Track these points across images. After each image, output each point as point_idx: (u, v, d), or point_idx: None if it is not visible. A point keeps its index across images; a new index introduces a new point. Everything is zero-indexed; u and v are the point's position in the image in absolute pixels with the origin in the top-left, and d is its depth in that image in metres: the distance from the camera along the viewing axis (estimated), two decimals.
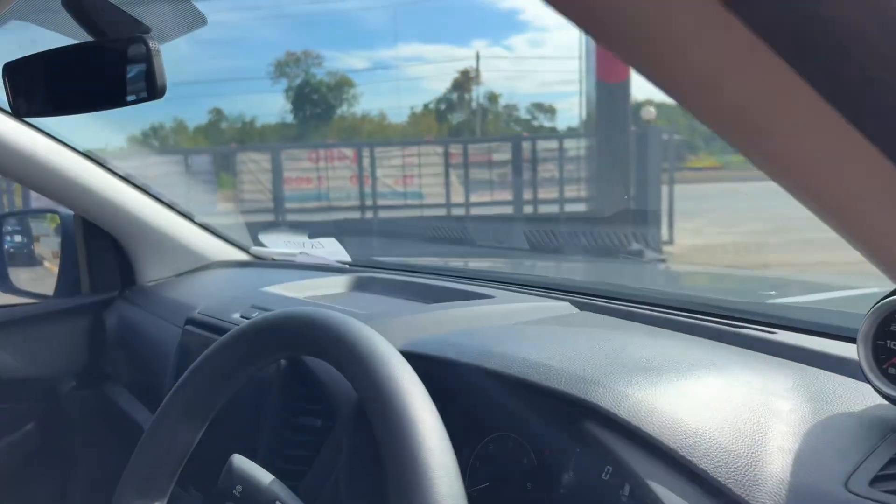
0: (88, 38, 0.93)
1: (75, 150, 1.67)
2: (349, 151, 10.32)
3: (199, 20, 0.96)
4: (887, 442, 0.67)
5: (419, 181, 9.78)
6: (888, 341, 0.73)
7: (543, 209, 9.37)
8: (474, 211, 9.13)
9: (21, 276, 1.98)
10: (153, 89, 0.88)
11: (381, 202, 9.75)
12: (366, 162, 9.89)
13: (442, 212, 9.34)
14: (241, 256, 1.94)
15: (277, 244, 1.96)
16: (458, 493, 0.49)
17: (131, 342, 1.69)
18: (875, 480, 0.62)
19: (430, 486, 0.47)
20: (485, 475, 0.95)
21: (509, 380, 0.76)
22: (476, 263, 1.92)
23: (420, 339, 0.92)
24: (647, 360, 0.78)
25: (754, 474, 0.63)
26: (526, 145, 10.24)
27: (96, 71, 0.90)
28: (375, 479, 0.92)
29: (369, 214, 9.43)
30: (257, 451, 1.03)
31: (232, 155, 11.08)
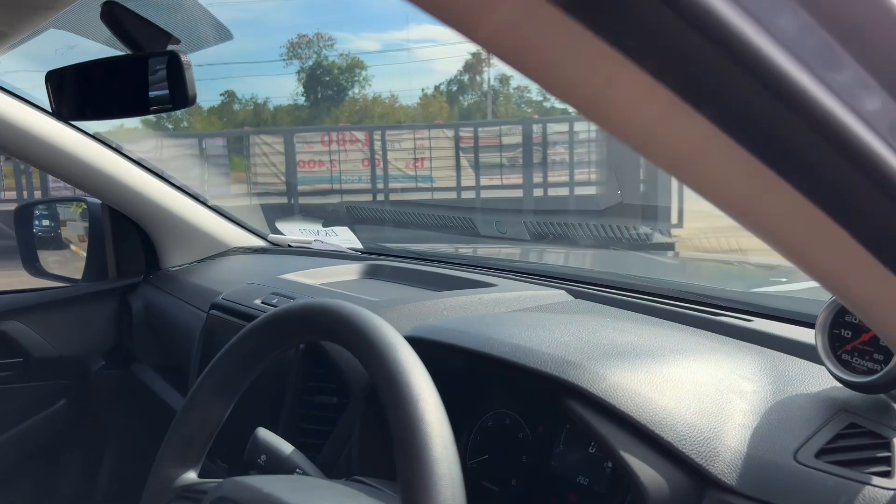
0: (125, 50, 1.02)
1: (103, 142, 1.77)
2: (361, 135, 10.39)
3: (226, 35, 1.05)
4: (836, 419, 0.76)
5: (430, 164, 9.84)
6: (842, 330, 0.82)
7: (553, 192, 9.42)
8: (484, 194, 9.20)
9: (50, 259, 2.09)
10: (185, 98, 0.97)
11: (392, 185, 9.83)
12: (377, 145, 9.96)
13: (452, 195, 9.41)
14: (259, 243, 2.04)
15: (293, 232, 2.06)
16: (452, 456, 0.58)
17: (156, 324, 1.80)
18: (821, 453, 0.71)
19: (429, 451, 0.57)
20: (485, 448, 1.05)
21: (502, 363, 0.85)
22: (482, 251, 2.02)
23: (425, 325, 1.02)
24: (627, 346, 0.87)
25: (714, 447, 0.72)
26: (536, 128, 10.26)
27: (132, 81, 0.99)
28: (385, 450, 1.02)
29: (381, 198, 9.52)
30: (279, 427, 1.13)
31: (245, 138, 11.17)
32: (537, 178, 9.62)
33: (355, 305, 0.70)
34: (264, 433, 0.94)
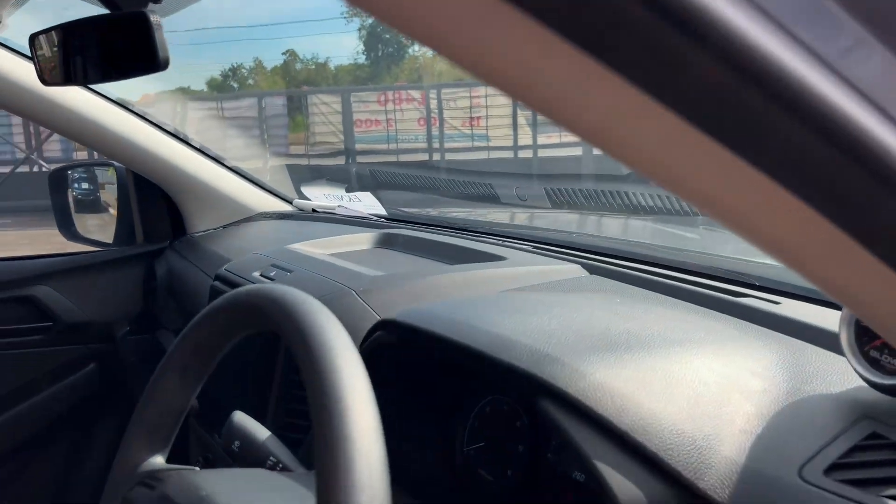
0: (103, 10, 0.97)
1: (123, 106, 1.74)
2: (417, 93, 10.27)
3: None
4: (856, 428, 0.65)
5: (486, 123, 9.66)
6: None
7: None
8: (542, 153, 8.98)
9: (89, 223, 2.10)
10: (156, 62, 0.91)
11: (448, 145, 9.70)
12: (433, 104, 9.83)
13: (509, 154, 9.23)
14: (286, 208, 2.00)
15: (318, 197, 2.01)
16: (379, 482, 0.50)
17: (177, 291, 1.79)
18: (832, 468, 0.61)
19: (353, 477, 0.49)
20: (482, 435, 0.98)
21: (475, 354, 0.78)
22: (502, 218, 1.93)
23: (412, 309, 0.94)
24: (623, 336, 0.78)
25: (707, 457, 0.63)
26: None
27: (104, 44, 0.94)
28: None
29: (437, 157, 9.41)
30: (269, 406, 1.09)
31: (303, 97, 11.21)
32: None
33: (301, 294, 0.63)
34: (240, 418, 0.90)
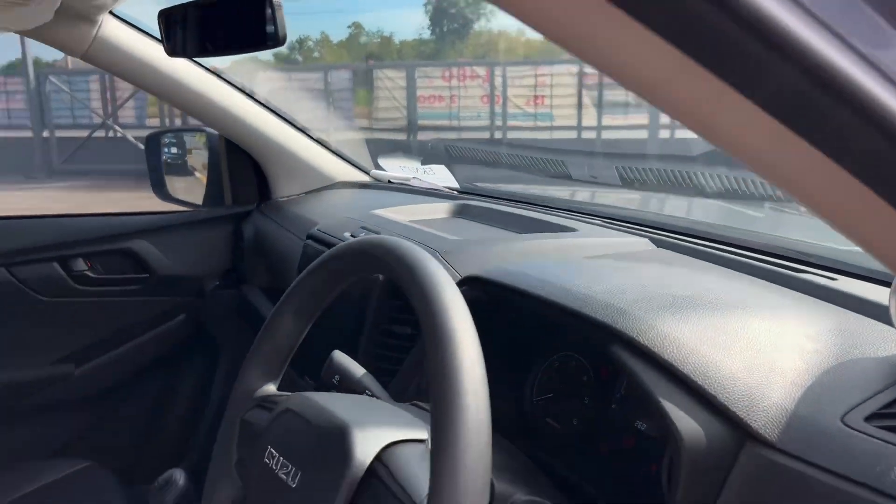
0: None
1: (222, 78, 1.88)
2: (481, 70, 10.30)
3: None
4: None
5: (550, 102, 9.64)
6: None
7: (680, 134, 9.00)
8: (606, 135, 8.93)
9: (177, 185, 2.25)
10: (276, 38, 1.02)
11: (510, 123, 9.72)
12: (497, 81, 9.84)
13: (572, 134, 9.19)
14: (363, 178, 2.12)
15: (394, 169, 2.12)
16: (483, 412, 0.61)
17: (264, 250, 1.93)
18: (872, 417, 0.69)
19: (461, 398, 0.59)
20: (551, 387, 1.08)
21: (553, 305, 0.87)
22: (572, 195, 2.01)
23: (491, 266, 1.05)
24: (687, 298, 0.87)
25: (758, 402, 0.71)
26: None
27: (229, 21, 1.06)
28: None
29: (498, 135, 9.45)
30: (358, 351, 1.21)
31: (368, 72, 11.36)
32: (664, 119, 9.23)
33: (412, 244, 0.74)
34: (339, 356, 1.01)
